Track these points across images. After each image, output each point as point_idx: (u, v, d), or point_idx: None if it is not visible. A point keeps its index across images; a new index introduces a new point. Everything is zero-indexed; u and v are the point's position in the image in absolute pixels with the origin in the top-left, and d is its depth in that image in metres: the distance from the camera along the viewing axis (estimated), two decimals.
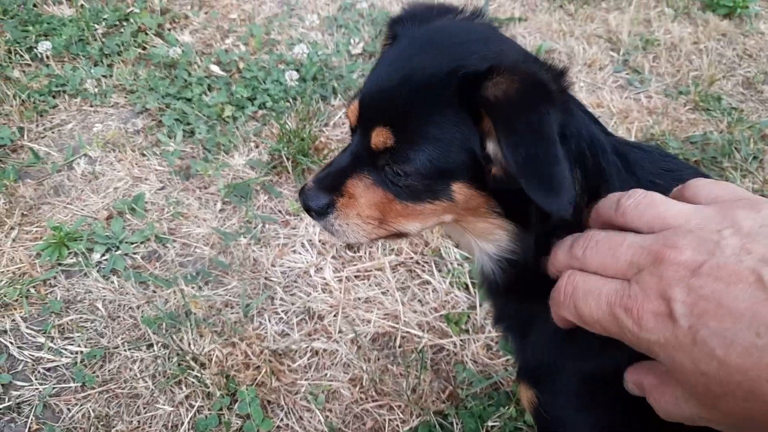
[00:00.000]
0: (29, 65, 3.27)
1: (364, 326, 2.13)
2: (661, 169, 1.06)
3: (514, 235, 1.03)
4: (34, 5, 3.68)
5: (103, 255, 2.36)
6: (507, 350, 2.04)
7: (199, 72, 3.20)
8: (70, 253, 2.35)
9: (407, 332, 2.11)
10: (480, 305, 2.17)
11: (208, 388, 1.93)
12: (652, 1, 4.06)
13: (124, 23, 3.57)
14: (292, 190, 2.63)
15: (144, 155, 2.78)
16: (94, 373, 2.01)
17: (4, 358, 2.04)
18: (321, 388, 1.96)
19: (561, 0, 4.00)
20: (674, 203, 0.68)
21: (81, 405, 1.93)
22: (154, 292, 2.23)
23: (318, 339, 2.10)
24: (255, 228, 2.45)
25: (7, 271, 2.30)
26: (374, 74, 1.07)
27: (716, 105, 3.16)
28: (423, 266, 2.32)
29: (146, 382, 1.98)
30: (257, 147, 2.83)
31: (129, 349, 2.06)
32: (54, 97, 3.10)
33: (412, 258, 2.34)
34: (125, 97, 3.11)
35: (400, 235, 1.12)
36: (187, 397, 1.94)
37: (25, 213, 2.53)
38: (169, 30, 3.57)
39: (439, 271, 2.30)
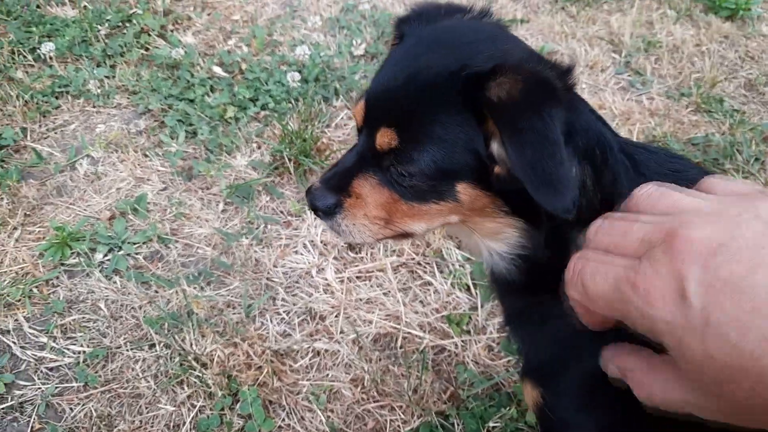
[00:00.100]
0: (32, 66, 3.28)
1: (366, 327, 2.13)
2: (669, 170, 1.05)
3: (524, 231, 1.03)
4: (38, 6, 3.69)
5: (105, 255, 2.36)
6: (509, 351, 2.04)
7: (202, 73, 3.21)
8: (72, 253, 2.35)
9: (408, 333, 2.11)
10: (481, 306, 2.18)
11: (210, 388, 1.93)
12: (655, 3, 4.07)
13: (127, 24, 3.57)
14: (293, 191, 2.63)
15: (146, 156, 2.79)
16: (96, 372, 2.01)
17: (7, 357, 2.05)
18: (322, 389, 1.96)
19: (563, 2, 4.00)
20: (690, 192, 0.64)
21: (83, 404, 1.94)
22: (156, 292, 2.24)
23: (319, 339, 2.10)
24: (257, 229, 2.46)
25: (10, 271, 2.30)
26: (380, 74, 1.07)
27: (718, 107, 3.16)
28: (424, 267, 2.32)
29: (148, 381, 1.99)
30: (259, 148, 2.83)
31: (131, 349, 2.07)
32: (57, 97, 3.11)
33: (413, 259, 2.34)
34: (128, 98, 3.12)
35: (405, 235, 1.12)
36: (188, 397, 1.94)
37: (28, 213, 2.53)
38: (171, 31, 3.58)
39: (441, 272, 2.30)
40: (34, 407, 1.93)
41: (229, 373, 1.97)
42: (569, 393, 1.11)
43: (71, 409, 1.93)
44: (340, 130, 2.95)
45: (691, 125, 3.06)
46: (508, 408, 1.86)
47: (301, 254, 2.37)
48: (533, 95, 0.85)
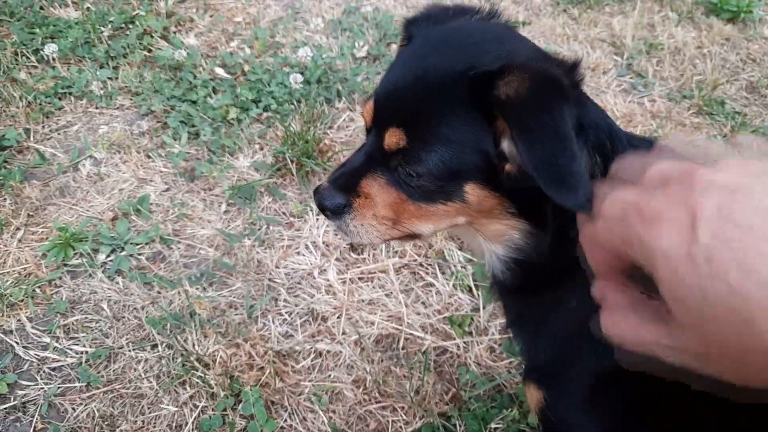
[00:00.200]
0: (35, 67, 3.29)
1: (368, 328, 2.13)
2: None
3: (526, 234, 1.03)
4: (41, 8, 3.70)
5: (108, 256, 2.37)
6: (511, 352, 2.04)
7: (204, 74, 3.22)
8: (75, 253, 2.36)
9: (411, 334, 2.11)
10: (483, 307, 2.18)
11: (212, 388, 1.93)
12: (656, 5, 4.07)
13: (130, 26, 3.58)
14: (296, 193, 2.64)
15: (149, 157, 2.80)
16: (98, 373, 2.02)
17: (10, 357, 2.05)
18: (324, 390, 1.96)
19: (565, 4, 4.01)
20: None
21: (86, 405, 1.94)
22: (159, 292, 2.24)
23: (322, 340, 2.10)
24: (259, 230, 2.46)
25: (13, 271, 2.31)
26: (389, 74, 1.07)
27: (720, 109, 3.17)
28: (427, 268, 2.33)
29: (150, 382, 1.99)
30: (262, 149, 2.84)
31: (133, 350, 2.07)
32: (60, 98, 3.12)
33: (415, 260, 2.35)
34: (131, 99, 3.12)
35: (412, 236, 1.12)
36: (191, 397, 1.94)
37: (30, 214, 2.54)
38: (174, 33, 3.59)
39: (443, 273, 2.30)
40: (37, 407, 1.93)
41: (232, 373, 1.97)
42: (572, 395, 1.11)
43: (74, 409, 1.93)
44: (342, 132, 2.95)
45: (693, 127, 3.06)
46: (510, 409, 1.86)
47: (303, 255, 2.38)
48: (541, 92, 0.85)
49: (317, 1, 3.90)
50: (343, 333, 2.12)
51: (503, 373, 2.00)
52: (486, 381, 1.97)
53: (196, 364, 1.98)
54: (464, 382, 1.97)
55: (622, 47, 3.62)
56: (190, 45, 3.44)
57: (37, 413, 1.91)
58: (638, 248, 0.56)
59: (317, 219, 2.48)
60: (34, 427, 1.89)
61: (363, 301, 2.22)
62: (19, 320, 2.16)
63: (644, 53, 3.59)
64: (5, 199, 2.58)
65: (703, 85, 3.31)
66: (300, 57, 3.27)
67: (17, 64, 3.26)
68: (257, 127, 2.96)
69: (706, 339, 0.53)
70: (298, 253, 2.39)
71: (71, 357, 2.06)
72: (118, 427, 1.89)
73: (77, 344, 2.10)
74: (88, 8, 3.69)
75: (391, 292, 2.24)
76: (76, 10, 3.71)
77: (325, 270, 2.32)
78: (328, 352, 2.07)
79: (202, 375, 1.96)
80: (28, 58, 3.31)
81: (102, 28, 3.49)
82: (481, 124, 0.93)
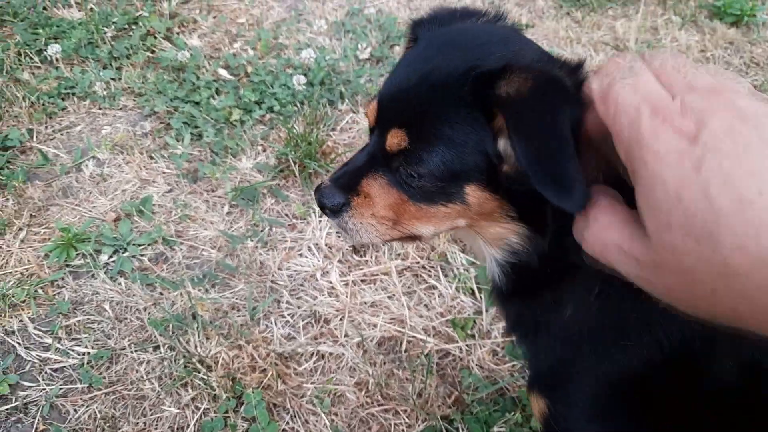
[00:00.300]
0: (39, 68, 3.30)
1: (370, 330, 2.13)
2: None
3: (524, 238, 1.03)
4: (44, 8, 3.70)
5: (110, 257, 2.37)
6: (513, 356, 2.04)
7: (207, 76, 3.22)
8: (77, 254, 2.36)
9: (413, 337, 2.11)
10: (486, 310, 2.17)
11: (215, 390, 1.93)
12: (660, 8, 4.07)
13: (133, 27, 3.59)
14: (298, 194, 2.64)
15: (152, 158, 2.80)
16: (100, 374, 2.01)
17: (12, 358, 2.05)
18: (327, 392, 1.96)
19: (568, 7, 4.01)
20: None
21: (87, 406, 1.94)
22: (161, 294, 2.24)
23: (324, 343, 2.10)
24: (262, 231, 2.46)
25: (16, 271, 2.31)
26: (393, 75, 1.07)
27: None
28: (429, 271, 2.32)
29: (152, 383, 1.99)
30: (264, 151, 2.84)
31: (135, 351, 2.07)
32: (63, 99, 3.12)
33: (418, 263, 2.34)
34: (134, 100, 3.13)
35: (413, 237, 1.11)
36: (193, 399, 1.94)
37: (33, 214, 2.54)
38: (177, 34, 3.59)
39: (446, 275, 2.30)
40: (39, 408, 1.93)
41: (234, 375, 1.97)
42: (575, 403, 1.11)
43: (75, 410, 1.93)
44: (345, 134, 2.95)
45: None
46: (512, 413, 1.86)
47: (306, 257, 2.37)
48: (543, 93, 0.84)
49: (320, 2, 3.90)
50: (346, 335, 2.11)
51: (506, 376, 2.00)
52: (489, 384, 1.96)
53: (198, 365, 1.98)
54: (467, 385, 1.97)
55: (625, 50, 3.62)
56: (194, 46, 3.44)
57: (38, 414, 1.91)
58: (637, 146, 0.57)
59: (320, 221, 2.48)
60: (36, 428, 1.89)
61: (365, 303, 2.21)
62: (21, 321, 2.16)
63: None
64: (8, 199, 2.58)
65: None
66: (303, 59, 3.27)
67: (20, 65, 3.27)
68: (260, 128, 2.96)
69: (671, 256, 0.53)
70: (301, 255, 2.39)
71: (73, 358, 2.06)
72: (119, 428, 1.89)
73: (79, 345, 2.10)
74: (91, 9, 3.69)
75: (394, 295, 2.24)
76: (79, 11, 3.71)
77: (327, 272, 2.32)
78: (331, 354, 2.07)
79: (204, 377, 1.96)
80: (31, 58, 3.31)
81: (105, 29, 3.49)
82: (482, 125, 0.93)
